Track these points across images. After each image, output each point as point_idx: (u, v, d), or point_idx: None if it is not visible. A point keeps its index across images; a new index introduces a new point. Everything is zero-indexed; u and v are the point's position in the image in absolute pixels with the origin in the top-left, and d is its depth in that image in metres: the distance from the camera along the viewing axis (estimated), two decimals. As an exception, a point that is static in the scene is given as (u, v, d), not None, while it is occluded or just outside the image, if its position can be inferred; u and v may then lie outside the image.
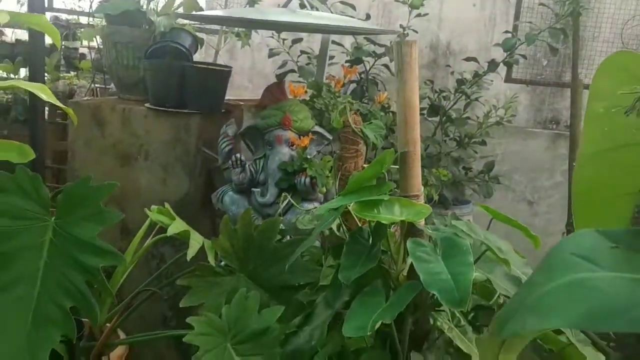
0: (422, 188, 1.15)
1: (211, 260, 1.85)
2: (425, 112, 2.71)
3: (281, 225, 1.82)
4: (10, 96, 3.44)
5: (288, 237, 1.91)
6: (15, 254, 1.42)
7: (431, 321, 1.13)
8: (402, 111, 1.12)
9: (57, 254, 1.44)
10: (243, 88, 3.45)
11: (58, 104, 1.77)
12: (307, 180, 1.96)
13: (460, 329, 1.09)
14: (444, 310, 1.11)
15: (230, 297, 1.78)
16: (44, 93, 1.66)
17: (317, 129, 2.10)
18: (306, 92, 2.26)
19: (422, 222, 1.13)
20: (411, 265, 1.11)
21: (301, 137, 2.00)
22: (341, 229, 1.68)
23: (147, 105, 2.40)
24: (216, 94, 2.39)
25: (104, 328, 1.93)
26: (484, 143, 2.81)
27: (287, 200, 1.92)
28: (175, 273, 2.10)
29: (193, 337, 1.48)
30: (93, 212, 1.45)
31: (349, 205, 1.10)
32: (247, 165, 2.09)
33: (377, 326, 0.95)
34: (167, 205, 1.87)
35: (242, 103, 2.63)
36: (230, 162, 2.08)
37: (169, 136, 2.36)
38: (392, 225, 1.17)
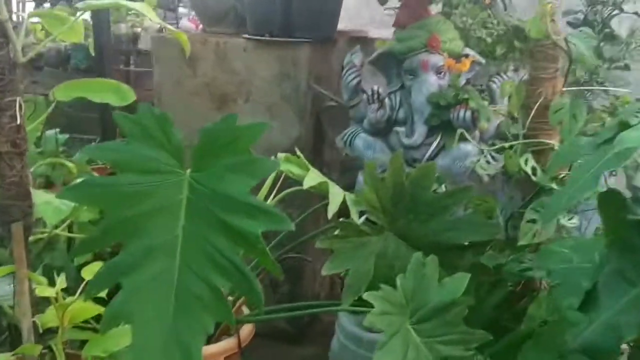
0: None
1: (354, 216, 1.53)
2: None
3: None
4: (67, 43, 3.14)
5: (443, 187, 1.59)
6: (146, 220, 1.09)
7: None
8: None
9: (198, 217, 1.10)
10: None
11: (164, 24, 1.44)
12: (468, 114, 1.58)
13: None
14: None
15: (379, 261, 1.49)
16: (148, 12, 1.31)
17: (468, 51, 1.71)
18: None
19: None
20: None
21: (456, 60, 1.62)
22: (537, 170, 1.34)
23: (245, 35, 2.03)
24: (329, 18, 2.00)
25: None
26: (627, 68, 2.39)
27: (437, 140, 1.57)
28: (298, 233, 1.80)
29: (375, 319, 1.15)
30: (241, 161, 1.10)
31: None
32: (385, 100, 1.72)
33: None
34: (298, 151, 1.54)
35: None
36: (366, 96, 1.71)
37: (273, 72, 2.01)
38: None
